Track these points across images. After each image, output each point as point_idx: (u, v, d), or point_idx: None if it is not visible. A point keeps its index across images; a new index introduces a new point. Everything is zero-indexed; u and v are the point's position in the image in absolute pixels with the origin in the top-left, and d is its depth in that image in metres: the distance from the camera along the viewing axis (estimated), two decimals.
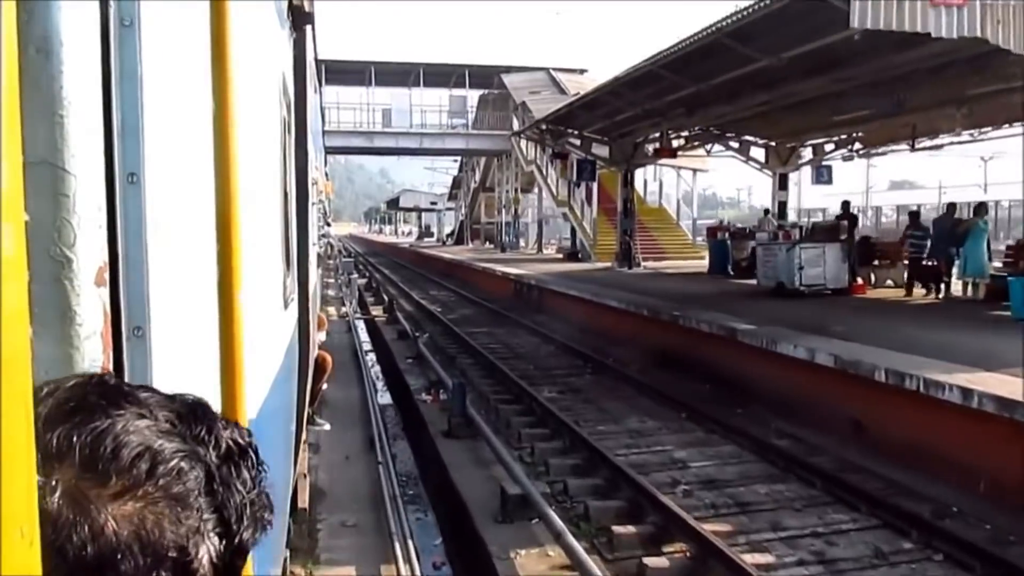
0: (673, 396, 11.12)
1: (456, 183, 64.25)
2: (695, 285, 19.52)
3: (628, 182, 27.17)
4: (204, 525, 0.61)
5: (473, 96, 47.49)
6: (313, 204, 6.46)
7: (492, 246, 48.77)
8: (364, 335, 18.31)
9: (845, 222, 18.17)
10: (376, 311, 22.25)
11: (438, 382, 11.88)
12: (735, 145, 25.40)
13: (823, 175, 25.89)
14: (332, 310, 20.44)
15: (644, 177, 37.02)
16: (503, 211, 47.35)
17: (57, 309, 1.08)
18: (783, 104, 18.03)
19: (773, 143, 25.07)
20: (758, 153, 25.74)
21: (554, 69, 44.60)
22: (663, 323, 14.08)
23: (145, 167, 1.30)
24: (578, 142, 27.89)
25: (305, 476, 6.62)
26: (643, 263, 27.13)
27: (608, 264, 27.26)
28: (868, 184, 50.97)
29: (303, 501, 6.45)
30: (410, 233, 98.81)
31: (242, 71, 1.34)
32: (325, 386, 9.59)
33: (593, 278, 21.80)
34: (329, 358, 9.14)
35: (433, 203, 75.93)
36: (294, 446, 4.13)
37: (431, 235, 79.10)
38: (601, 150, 27.78)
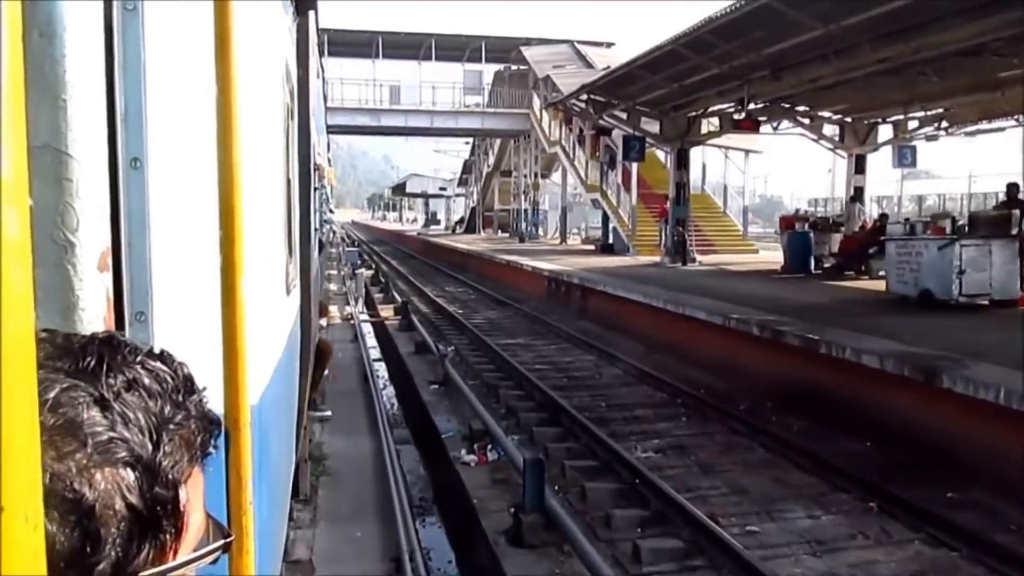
0: (835, 465, 7.51)
1: (467, 167, 59.93)
2: (788, 289, 15.39)
3: (683, 163, 23.27)
4: (99, 457, 0.56)
5: (490, 72, 43.49)
6: (315, 190, 6.46)
7: (508, 235, 44.70)
8: (373, 344, 15.62)
9: (1016, 211, 13.40)
10: (386, 311, 19.27)
11: (485, 435, 8.46)
12: (805, 121, 21.92)
13: (906, 157, 21.98)
14: (334, 310, 16.65)
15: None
16: (520, 197, 43.12)
17: (60, 294, 1.08)
18: (880, 70, 14.80)
19: (849, 119, 21.60)
20: (831, 131, 22.55)
21: (578, 42, 40.49)
22: (786, 348, 10.15)
23: (148, 153, 1.30)
24: (625, 115, 23.76)
25: (306, 461, 6.63)
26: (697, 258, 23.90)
27: (654, 259, 23.81)
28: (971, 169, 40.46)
29: (305, 486, 6.46)
30: (415, 220, 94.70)
31: (245, 56, 1.33)
32: (327, 372, 9.61)
33: (645, 276, 18.29)
34: (331, 344, 9.15)
35: (442, 188, 71.69)
36: (296, 432, 4.14)
37: (437, 222, 74.20)
38: (649, 126, 24.03)
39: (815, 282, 17.02)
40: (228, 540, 0.71)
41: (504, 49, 41.29)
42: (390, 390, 12.41)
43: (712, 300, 13.32)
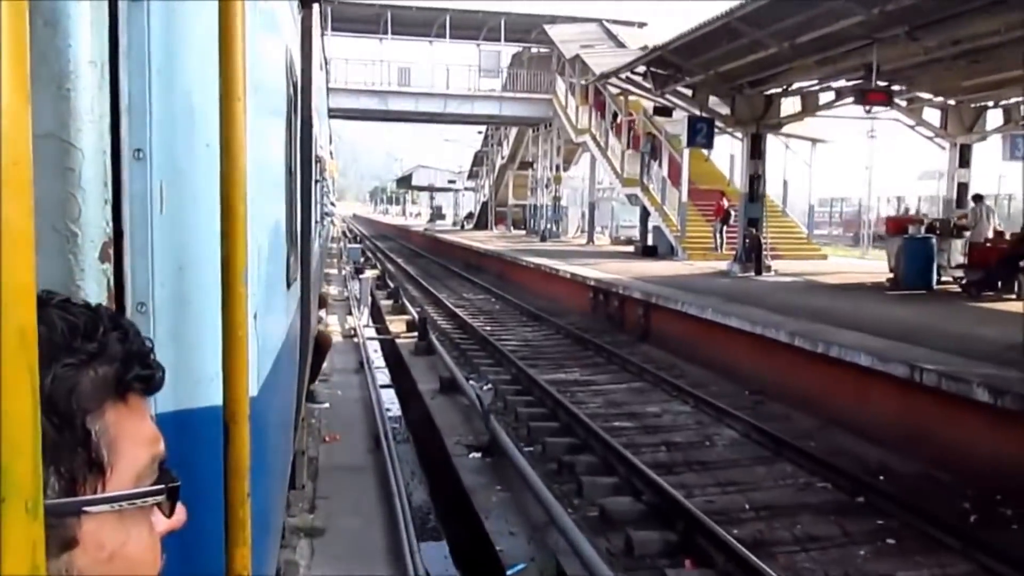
0: None
1: (478, 159, 54.90)
2: (939, 315, 11.49)
3: (757, 150, 19.18)
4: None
5: (510, 54, 39.39)
6: (317, 182, 6.45)
7: (523, 233, 41.15)
8: (384, 377, 11.87)
9: None
10: (397, 324, 15.83)
11: None
12: (902, 103, 18.48)
13: (1019, 148, 18.85)
14: (334, 321, 14.08)
15: (731, 152, 26.87)
16: (538, 191, 39.03)
17: (61, 284, 1.08)
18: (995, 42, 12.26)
19: (952, 102, 18.21)
20: (932, 116, 19.32)
21: (608, 21, 36.56)
22: None
23: (151, 143, 1.30)
24: (690, 91, 19.93)
25: (303, 453, 6.64)
26: (725, 260, 20.39)
27: (712, 265, 20.25)
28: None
29: (302, 478, 6.47)
30: (419, 215, 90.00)
31: (249, 48, 1.33)
32: (326, 363, 9.62)
33: (723, 290, 14.48)
34: (330, 336, 9.18)
35: (451, 181, 66.38)
36: (294, 423, 4.15)
37: (443, 217, 69.78)
38: (716, 108, 20.31)
39: (959, 303, 13.18)
40: (172, 486, 0.69)
41: (525, 28, 37.51)
42: (410, 452, 8.97)
43: (857, 334, 9.50)
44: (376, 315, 17.42)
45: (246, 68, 1.30)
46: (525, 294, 20.57)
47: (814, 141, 25.98)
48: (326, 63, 9.98)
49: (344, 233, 46.78)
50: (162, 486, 0.69)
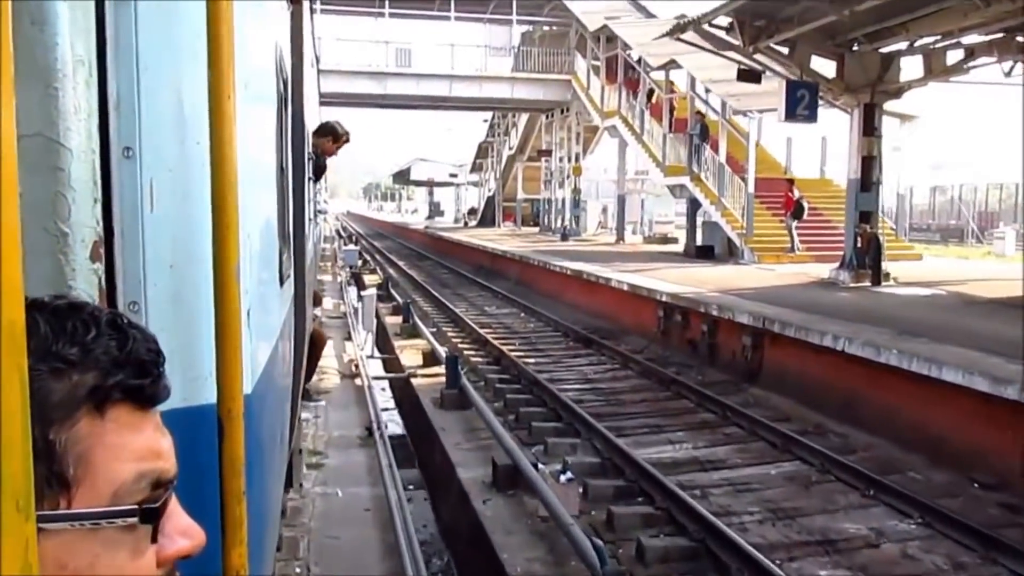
0: None
1: (482, 151, 50.40)
2: None
3: (872, 126, 15.11)
4: None
5: (519, 33, 35.79)
6: (310, 179, 6.44)
7: (537, 230, 37.55)
8: (407, 473, 7.91)
9: None
10: (410, 353, 12.33)
11: None
12: None
13: None
14: (329, 349, 10.30)
15: (787, 135, 23.33)
16: (553, 184, 35.29)
17: (52, 284, 1.08)
18: None
19: None
20: None
21: None
22: None
23: (141, 142, 1.30)
24: (786, 49, 15.69)
25: (300, 452, 6.63)
26: (804, 262, 17.36)
27: (802, 270, 16.69)
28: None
29: (298, 476, 6.47)
30: (415, 211, 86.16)
31: (239, 45, 1.33)
32: (321, 361, 9.61)
33: (865, 312, 10.90)
34: (325, 334, 9.16)
35: (453, 175, 61.78)
36: (290, 421, 4.15)
37: (441, 214, 66.37)
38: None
39: None
40: (146, 508, 0.63)
41: (536, 3, 34.15)
42: None
43: None
44: (380, 337, 13.47)
45: (235, 65, 1.30)
46: (561, 307, 17.13)
47: (903, 118, 19.84)
48: (317, 61, 9.83)
49: (338, 232, 44.31)
50: (133, 507, 0.62)
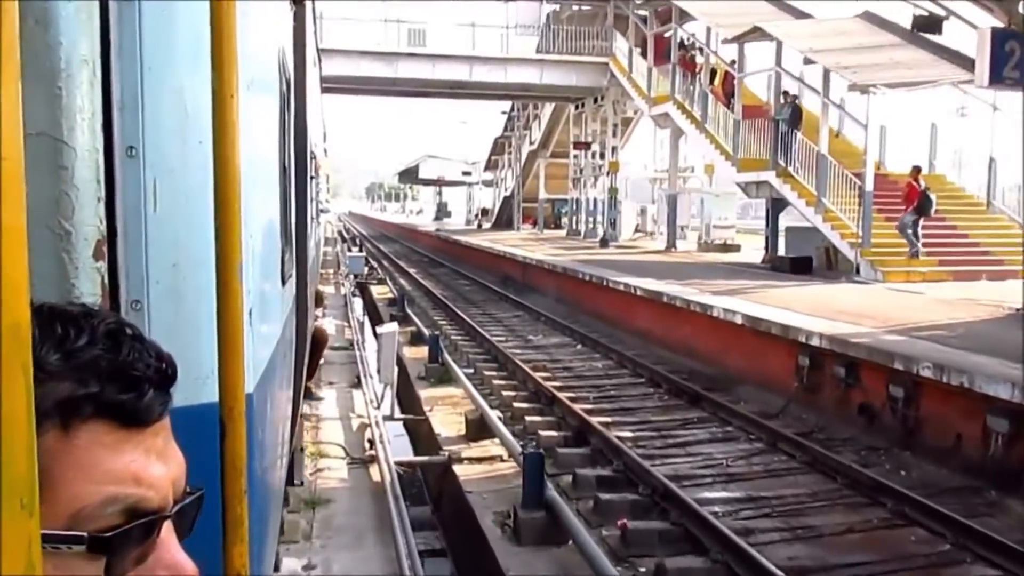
0: None
1: (498, 147, 46.04)
2: None
3: None
4: None
5: (544, 13, 30.96)
6: (312, 179, 6.45)
7: (564, 233, 33.78)
8: None
9: None
10: (444, 414, 9.10)
11: None
12: None
13: None
14: (330, 408, 8.93)
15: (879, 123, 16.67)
16: (582, 183, 31.40)
17: (55, 282, 1.08)
18: None
19: None
20: None
21: None
22: None
23: (144, 141, 1.30)
24: None
25: (302, 450, 6.65)
26: (942, 280, 13.70)
27: (983, 297, 12.01)
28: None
29: (299, 474, 6.48)
30: (420, 212, 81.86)
31: (241, 45, 1.33)
32: (323, 360, 9.60)
33: None
34: (327, 333, 9.12)
35: (466, 172, 56.40)
36: (292, 420, 4.15)
37: (449, 215, 61.83)
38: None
39: None
40: (95, 536, 0.56)
41: None
42: None
43: None
44: (400, 379, 9.46)
45: (238, 65, 1.30)
46: (629, 338, 13.48)
47: None
48: (319, 60, 9.75)
49: (340, 234, 40.42)
50: (81, 534, 0.55)
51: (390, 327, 9.62)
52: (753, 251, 21.22)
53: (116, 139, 1.24)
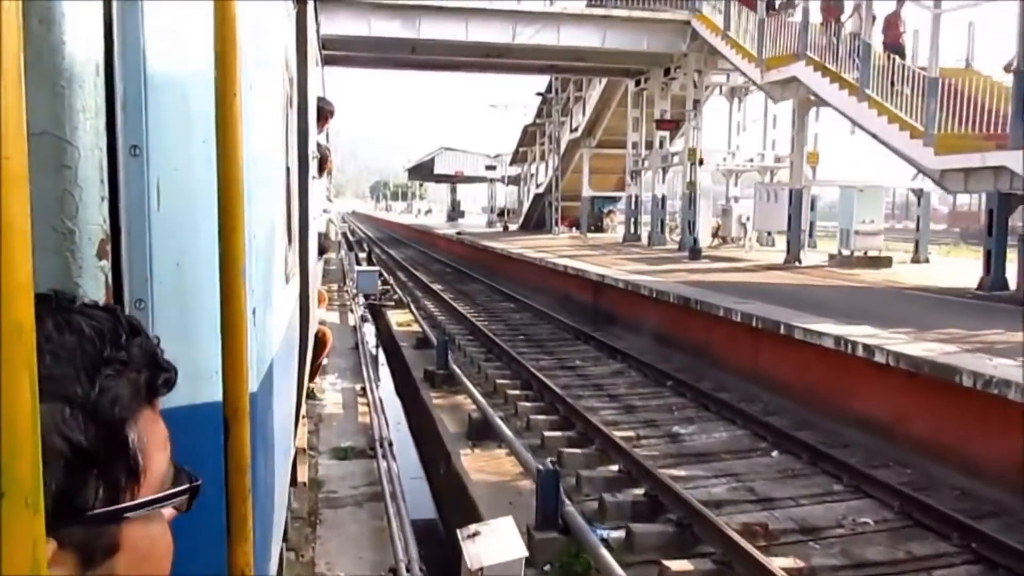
0: None
1: (527, 137, 39.56)
2: None
3: None
4: None
5: None
6: (314, 179, 6.45)
7: (618, 238, 28.18)
8: None
9: None
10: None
11: None
12: None
13: None
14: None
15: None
16: (653, 176, 25.51)
17: (58, 281, 1.08)
18: None
19: None
20: None
21: None
22: None
23: (148, 140, 1.30)
24: None
25: (305, 451, 6.64)
26: None
27: None
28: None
29: (302, 475, 6.48)
30: (429, 212, 76.23)
31: (245, 44, 1.33)
32: (325, 361, 9.59)
33: None
34: (329, 333, 9.12)
35: (490, 167, 48.36)
36: (295, 420, 4.16)
37: (462, 215, 55.63)
38: None
39: None
40: (195, 485, 0.72)
41: None
42: None
43: None
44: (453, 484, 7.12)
45: (242, 64, 1.30)
46: (851, 430, 8.27)
47: None
48: (321, 60, 9.67)
49: (345, 236, 33.91)
50: (187, 486, 0.71)
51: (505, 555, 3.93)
52: (903, 267, 15.53)
53: (120, 138, 1.24)
